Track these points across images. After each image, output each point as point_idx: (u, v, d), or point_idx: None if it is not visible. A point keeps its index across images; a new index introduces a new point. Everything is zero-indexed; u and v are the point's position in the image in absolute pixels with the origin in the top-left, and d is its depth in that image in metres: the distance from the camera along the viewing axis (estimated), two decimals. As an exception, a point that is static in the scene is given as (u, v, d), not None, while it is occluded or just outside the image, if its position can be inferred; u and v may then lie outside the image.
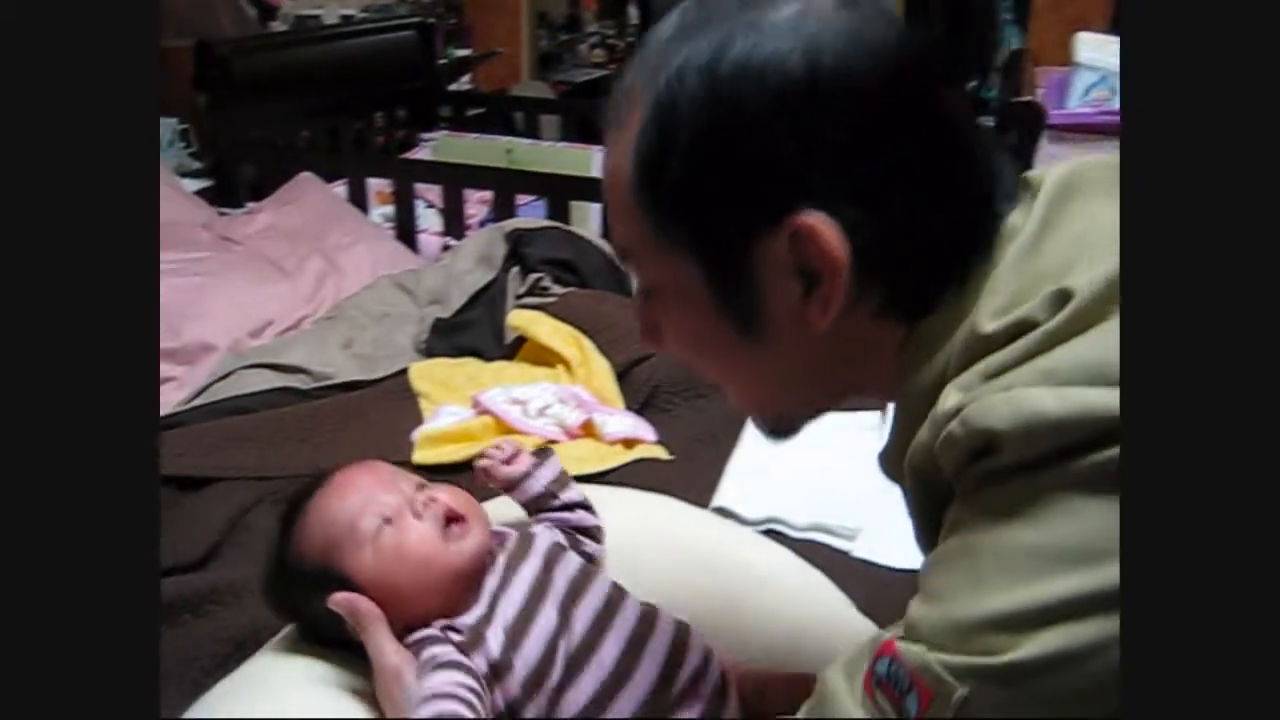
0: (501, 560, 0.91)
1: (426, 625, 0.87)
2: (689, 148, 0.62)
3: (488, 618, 0.86)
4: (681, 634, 0.89)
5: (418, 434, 1.56)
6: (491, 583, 0.89)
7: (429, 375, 1.75)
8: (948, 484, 0.60)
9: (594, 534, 1.00)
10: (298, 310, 1.99)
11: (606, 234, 2.22)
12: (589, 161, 3.00)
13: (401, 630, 0.87)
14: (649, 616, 0.89)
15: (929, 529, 0.64)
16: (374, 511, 0.89)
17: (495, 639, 0.85)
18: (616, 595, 0.90)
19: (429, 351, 1.88)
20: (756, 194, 0.62)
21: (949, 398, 0.59)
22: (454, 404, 1.66)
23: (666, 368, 1.71)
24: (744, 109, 0.60)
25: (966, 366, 0.59)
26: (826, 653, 1.01)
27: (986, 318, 0.60)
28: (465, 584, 0.89)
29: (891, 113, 0.62)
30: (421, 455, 1.52)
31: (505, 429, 1.57)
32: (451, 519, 0.90)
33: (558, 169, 2.57)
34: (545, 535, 0.95)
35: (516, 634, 0.85)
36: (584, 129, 3.64)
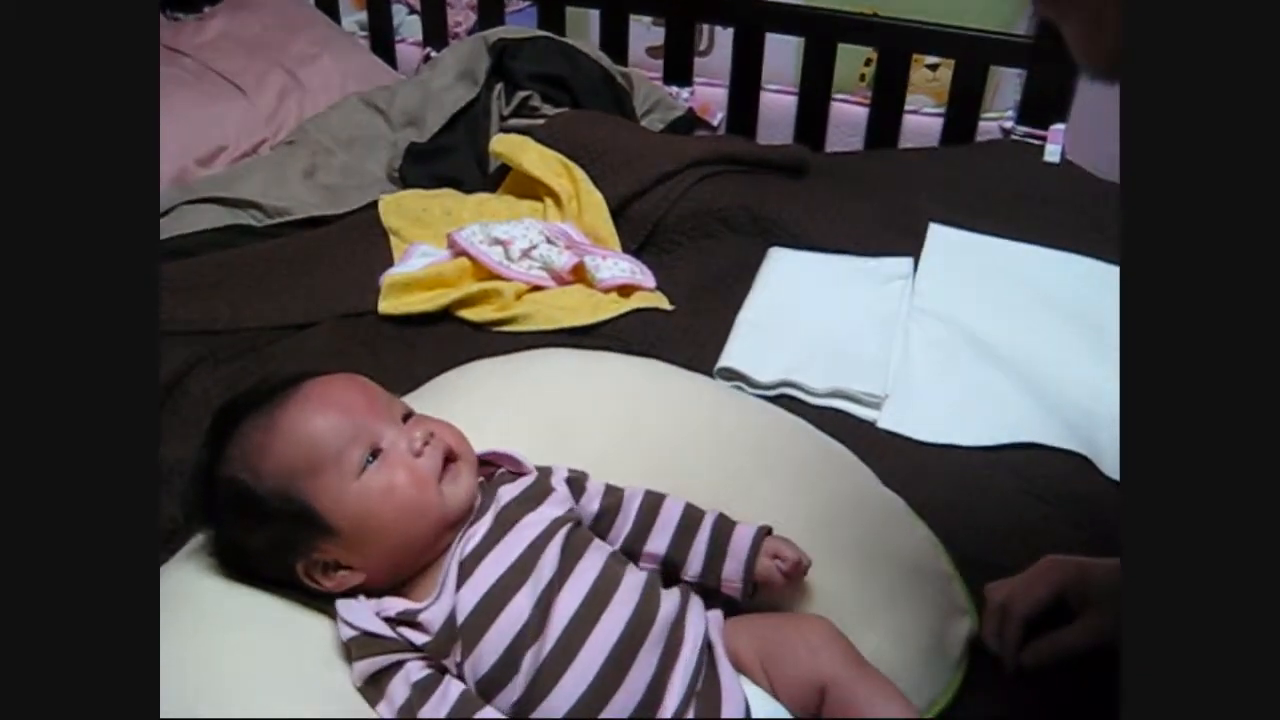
0: (484, 522, 0.76)
1: (381, 585, 0.75)
2: None
3: (453, 612, 0.71)
4: (681, 617, 0.75)
5: (385, 279, 1.38)
6: (462, 550, 0.74)
7: (400, 209, 1.56)
8: None
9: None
10: (254, 134, 1.76)
11: (605, 46, 1.96)
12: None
13: (358, 587, 0.75)
14: (649, 602, 0.74)
15: None
16: (366, 441, 0.74)
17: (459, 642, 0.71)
18: (611, 579, 0.74)
19: (403, 181, 1.68)
20: None
21: None
22: (427, 243, 1.48)
23: (670, 202, 1.50)
24: None
25: None
26: (856, 535, 0.88)
27: None
28: (446, 536, 0.75)
29: None
30: (388, 304, 1.35)
31: (484, 273, 1.39)
32: (449, 460, 0.76)
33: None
34: (559, 498, 0.79)
35: (475, 631, 0.71)
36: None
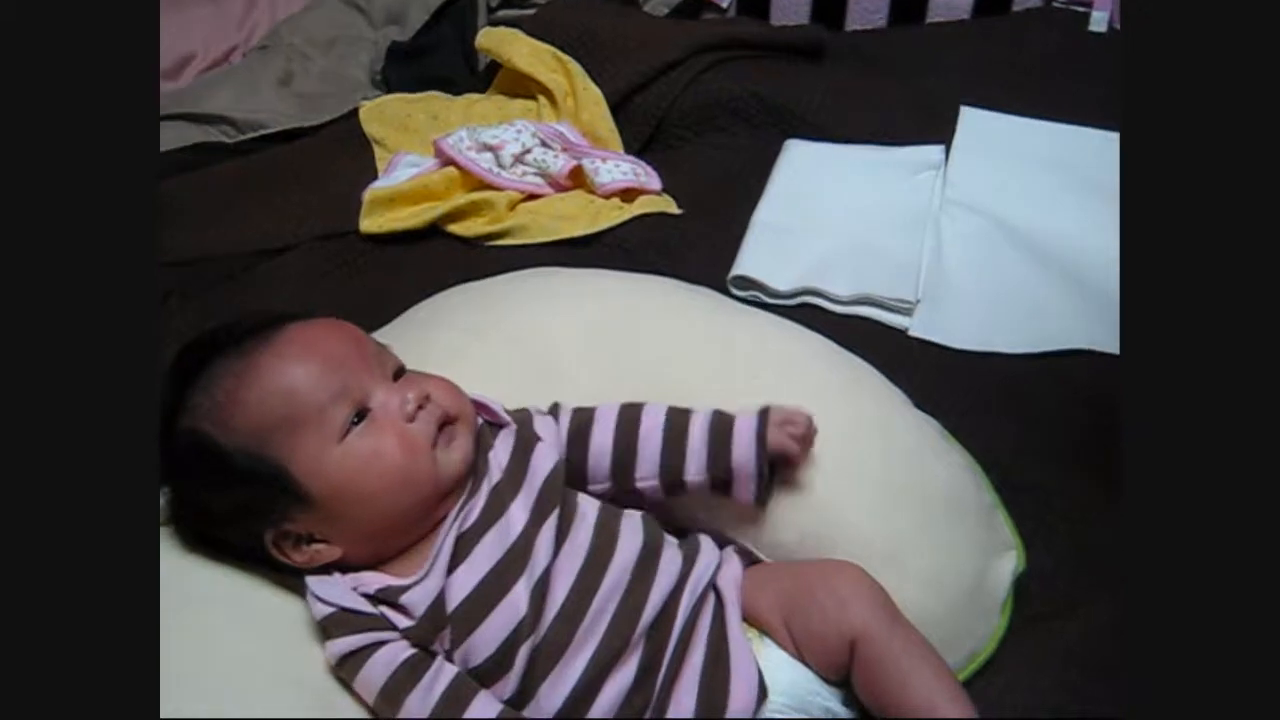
0: (481, 495, 0.67)
1: (359, 563, 0.67)
2: None
3: (441, 596, 0.64)
4: (681, 583, 0.68)
5: (366, 194, 1.27)
6: (461, 525, 0.66)
7: (382, 116, 1.45)
8: None
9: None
10: (224, 40, 1.64)
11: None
12: None
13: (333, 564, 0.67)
14: (641, 579, 0.66)
15: None
16: (353, 399, 0.65)
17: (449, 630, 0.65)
18: (601, 558, 0.67)
19: (386, 84, 1.57)
20: None
21: None
22: (414, 152, 1.37)
23: (675, 94, 1.38)
24: None
25: None
26: (884, 467, 0.79)
27: None
28: (437, 510, 0.67)
29: None
30: (370, 222, 1.25)
31: (474, 183, 1.28)
32: (444, 423, 0.67)
33: None
34: (547, 456, 0.70)
35: (469, 621, 0.64)
36: None
